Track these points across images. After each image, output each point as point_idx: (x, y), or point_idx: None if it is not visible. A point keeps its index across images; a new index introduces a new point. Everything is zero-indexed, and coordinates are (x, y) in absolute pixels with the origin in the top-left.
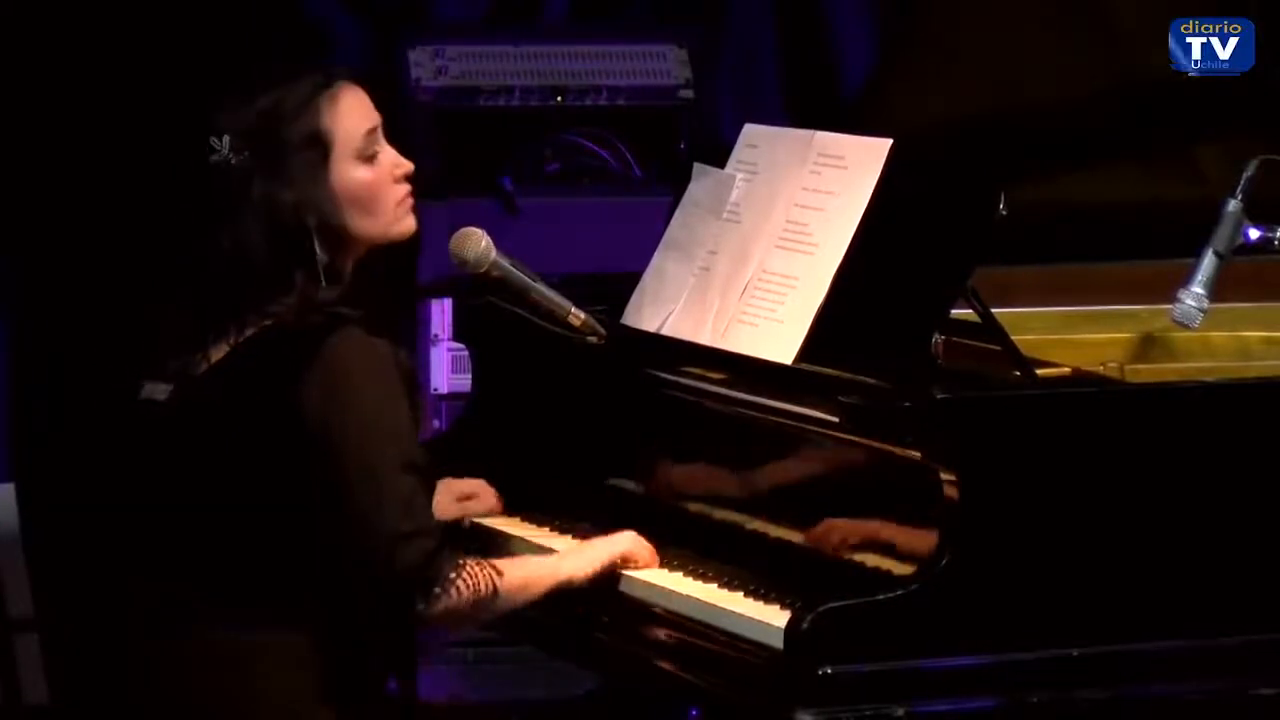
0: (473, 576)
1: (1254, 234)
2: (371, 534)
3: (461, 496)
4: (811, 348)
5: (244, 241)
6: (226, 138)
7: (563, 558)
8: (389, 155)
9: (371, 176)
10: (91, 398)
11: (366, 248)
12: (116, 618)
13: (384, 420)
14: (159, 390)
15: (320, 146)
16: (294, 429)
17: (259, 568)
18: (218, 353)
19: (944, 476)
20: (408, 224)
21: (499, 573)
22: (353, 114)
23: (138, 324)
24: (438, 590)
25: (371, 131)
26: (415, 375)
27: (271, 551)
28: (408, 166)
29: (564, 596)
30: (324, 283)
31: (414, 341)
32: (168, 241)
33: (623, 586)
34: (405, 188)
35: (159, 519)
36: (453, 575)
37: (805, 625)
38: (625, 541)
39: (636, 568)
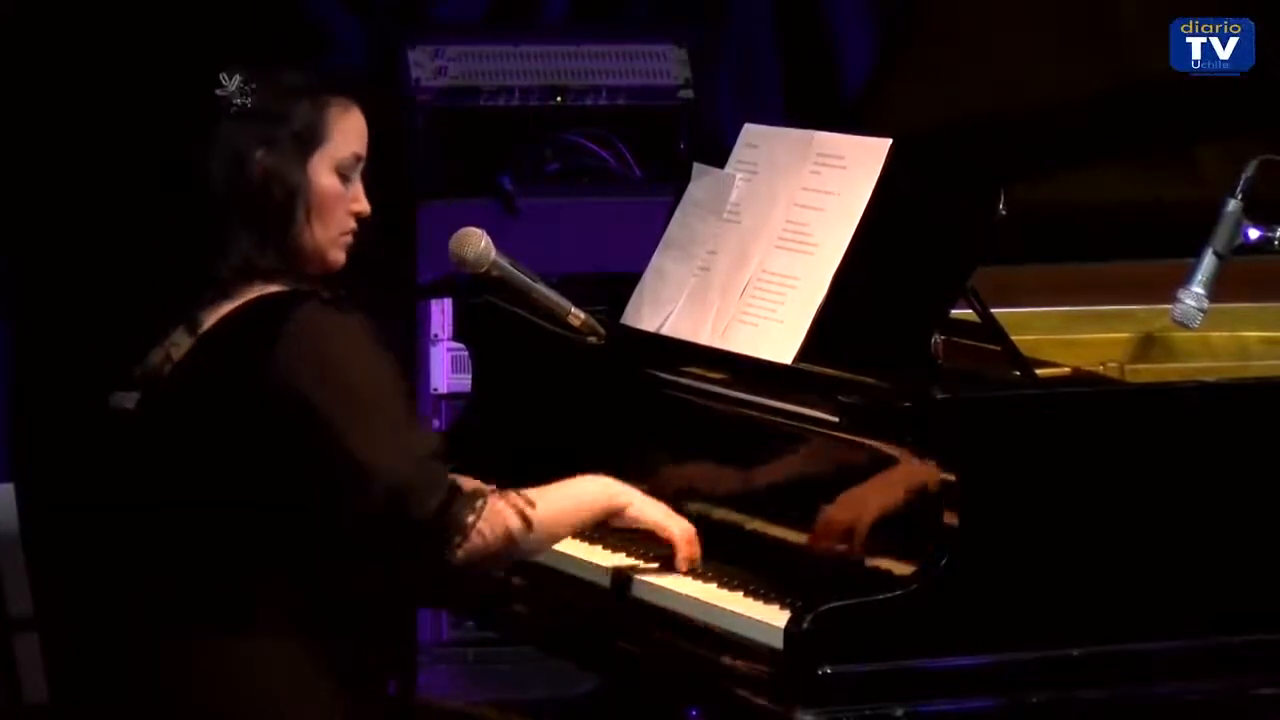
0: (497, 515)
1: (1254, 234)
2: (377, 495)
3: None
4: (811, 348)
5: (208, 181)
6: (238, 78)
7: (617, 489)
8: (357, 188)
9: (339, 191)
10: (91, 397)
11: (295, 259)
12: (116, 618)
13: (368, 380)
14: (128, 399)
15: (313, 137)
16: (271, 410)
17: (251, 565)
18: (179, 350)
19: (944, 476)
20: (339, 256)
21: (530, 503)
22: (353, 133)
23: (122, 328)
24: (458, 538)
25: (358, 158)
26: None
27: (261, 548)
28: (365, 208)
29: (564, 596)
30: (269, 259)
31: (414, 341)
32: (165, 240)
33: (594, 577)
34: (353, 224)
35: (155, 519)
36: (471, 519)
37: (805, 625)
38: (681, 526)
39: (678, 553)
